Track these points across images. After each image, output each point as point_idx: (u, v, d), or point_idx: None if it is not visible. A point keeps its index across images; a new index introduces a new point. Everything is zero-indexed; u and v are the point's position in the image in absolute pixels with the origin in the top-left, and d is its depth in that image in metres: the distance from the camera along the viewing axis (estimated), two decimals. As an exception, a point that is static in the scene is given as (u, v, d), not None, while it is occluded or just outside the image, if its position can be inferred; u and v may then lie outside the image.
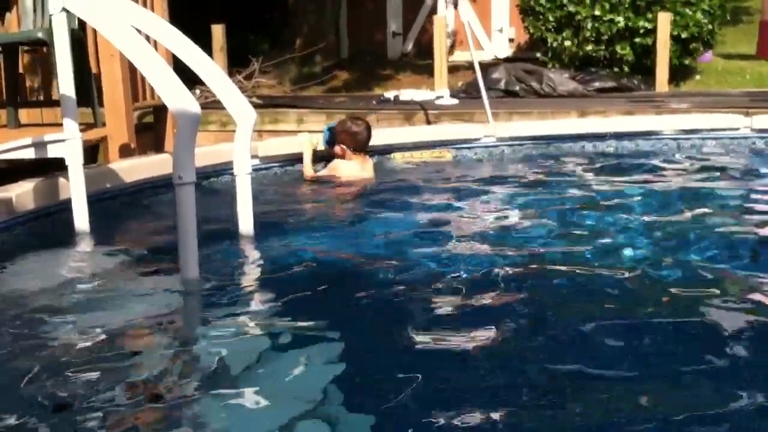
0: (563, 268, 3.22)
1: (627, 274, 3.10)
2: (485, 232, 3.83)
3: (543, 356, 2.35)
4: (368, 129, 5.17)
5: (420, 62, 11.87)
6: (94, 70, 5.02)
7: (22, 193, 3.70)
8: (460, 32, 11.76)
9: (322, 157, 5.34)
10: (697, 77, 10.15)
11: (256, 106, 4.41)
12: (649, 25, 9.42)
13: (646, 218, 4.00)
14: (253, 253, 3.55)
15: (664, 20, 9.12)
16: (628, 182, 5.01)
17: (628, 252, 3.36)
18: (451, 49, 11.28)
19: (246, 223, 3.65)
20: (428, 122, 7.36)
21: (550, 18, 10.01)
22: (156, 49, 3.61)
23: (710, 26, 9.74)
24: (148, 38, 3.62)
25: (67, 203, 3.74)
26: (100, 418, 1.98)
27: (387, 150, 5.80)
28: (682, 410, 1.96)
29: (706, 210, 4.19)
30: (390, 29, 13.39)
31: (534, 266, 3.22)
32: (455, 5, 8.21)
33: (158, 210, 4.27)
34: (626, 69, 9.66)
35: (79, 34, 4.69)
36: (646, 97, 8.53)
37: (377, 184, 5.09)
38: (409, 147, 5.87)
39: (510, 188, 4.95)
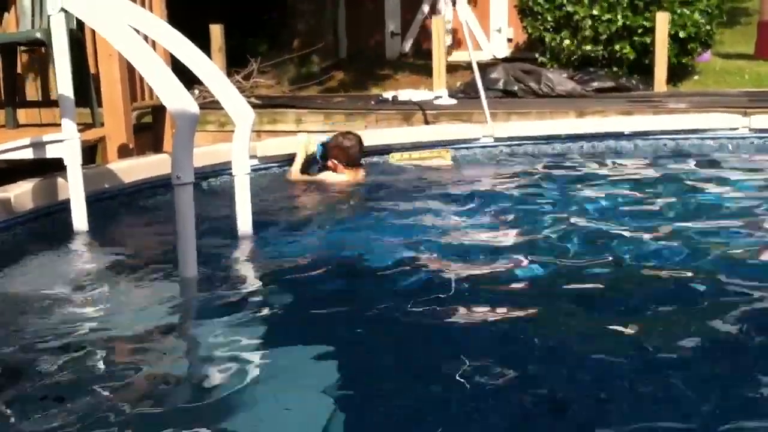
0: (563, 268, 3.22)
1: (626, 274, 3.10)
2: (483, 232, 3.83)
3: (545, 357, 2.35)
4: (360, 143, 5.18)
5: (418, 62, 11.86)
6: (92, 71, 5.02)
7: (21, 193, 3.70)
8: (458, 32, 11.76)
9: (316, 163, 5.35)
10: (696, 77, 10.15)
11: (254, 106, 4.41)
12: (647, 24, 9.43)
13: (645, 218, 4.00)
14: (251, 253, 3.56)
15: (662, 20, 9.12)
16: (627, 182, 5.01)
17: (627, 252, 3.37)
18: (450, 49, 11.27)
19: (245, 223, 3.65)
20: (427, 122, 7.36)
21: (549, 18, 10.01)
22: (154, 49, 3.61)
23: (708, 26, 9.74)
24: (146, 38, 3.62)
25: (66, 203, 3.75)
26: (99, 417, 1.98)
27: (385, 150, 5.80)
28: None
29: (704, 210, 4.20)
30: (388, 29, 13.39)
31: (534, 266, 3.22)
32: (453, 5, 8.21)
33: (157, 210, 4.27)
34: (625, 68, 9.66)
35: (78, 35, 4.69)
36: (644, 97, 8.53)
37: (375, 185, 5.09)
38: (408, 147, 5.87)
39: (509, 188, 4.95)
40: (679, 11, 9.47)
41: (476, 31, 12.06)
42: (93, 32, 4.89)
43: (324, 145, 5.21)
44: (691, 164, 5.60)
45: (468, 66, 7.96)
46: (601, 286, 3.02)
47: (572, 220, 4.01)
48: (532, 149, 6.11)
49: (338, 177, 5.09)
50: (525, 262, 3.27)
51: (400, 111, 7.68)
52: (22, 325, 2.67)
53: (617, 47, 9.61)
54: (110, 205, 4.23)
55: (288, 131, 7.35)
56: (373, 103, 8.55)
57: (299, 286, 3.06)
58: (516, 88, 9.04)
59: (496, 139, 6.11)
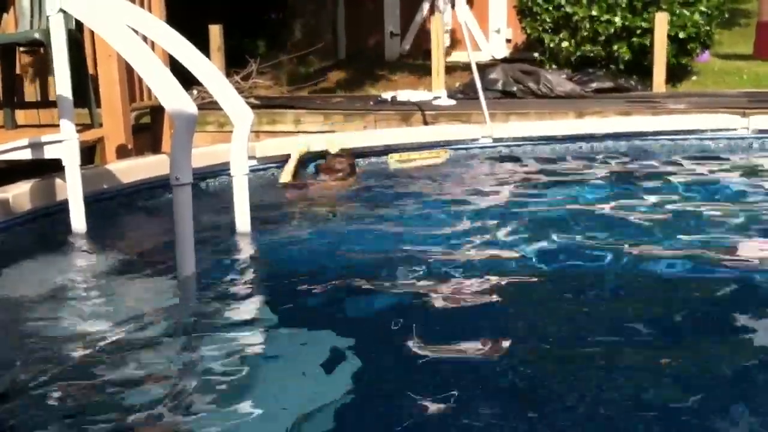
0: (563, 268, 3.22)
1: (624, 273, 3.11)
2: (483, 232, 3.83)
3: (546, 358, 2.35)
4: (351, 166, 5.31)
5: (417, 63, 11.87)
6: (91, 71, 5.02)
7: (20, 193, 3.70)
8: (457, 33, 11.76)
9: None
10: (694, 78, 10.15)
11: (253, 106, 4.42)
12: (646, 25, 9.43)
13: (644, 217, 4.00)
14: (250, 254, 3.56)
15: (661, 20, 9.12)
16: (626, 182, 5.01)
17: (625, 251, 3.37)
18: (449, 50, 11.27)
19: (243, 224, 3.65)
20: (426, 123, 7.36)
21: (547, 18, 10.01)
22: (153, 49, 3.61)
23: (707, 27, 9.74)
24: (145, 39, 3.62)
25: (64, 204, 3.74)
26: (98, 417, 1.98)
27: (384, 151, 5.80)
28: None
29: (703, 209, 4.20)
30: (387, 30, 13.39)
31: (533, 266, 3.23)
32: (452, 6, 8.21)
33: (155, 211, 4.27)
34: (623, 68, 9.66)
35: (77, 35, 4.69)
36: (643, 97, 8.53)
37: (373, 185, 5.09)
38: (407, 148, 5.88)
39: (508, 189, 4.95)
40: (678, 12, 9.47)
41: (475, 32, 12.06)
42: (92, 33, 4.89)
43: (317, 167, 5.35)
44: (691, 164, 5.59)
45: (467, 66, 7.95)
46: (601, 284, 3.02)
47: (572, 218, 4.01)
48: (531, 150, 6.11)
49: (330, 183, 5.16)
50: (524, 261, 3.27)
51: (399, 111, 7.68)
52: (20, 325, 2.67)
53: (616, 48, 9.62)
54: (109, 205, 4.23)
55: (287, 132, 7.35)
56: (371, 103, 8.55)
57: (298, 286, 3.05)
58: (515, 88, 9.04)
59: (495, 140, 6.11)
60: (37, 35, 4.59)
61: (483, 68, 8.78)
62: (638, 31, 9.51)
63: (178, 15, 6.01)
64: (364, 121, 7.49)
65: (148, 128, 6.21)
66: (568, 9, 9.80)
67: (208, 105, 6.61)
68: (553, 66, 10.01)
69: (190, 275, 3.00)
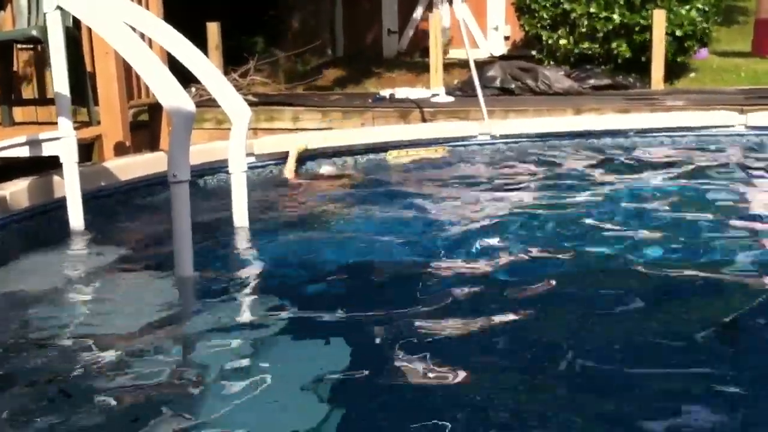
0: (563, 267, 3.22)
1: (627, 270, 3.10)
2: (481, 231, 3.83)
3: (545, 354, 2.35)
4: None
5: (415, 60, 11.86)
6: (89, 68, 5.01)
7: (17, 191, 3.70)
8: (455, 30, 11.76)
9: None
10: (692, 75, 10.15)
11: (251, 104, 4.41)
12: (644, 22, 9.43)
13: (643, 216, 4.00)
14: (248, 251, 3.55)
15: (659, 17, 9.12)
16: (626, 180, 5.01)
17: (626, 248, 3.37)
18: (447, 47, 11.26)
19: (241, 221, 3.65)
20: (424, 120, 7.35)
21: (546, 15, 10.00)
22: (151, 47, 3.60)
23: (705, 24, 9.74)
24: (143, 36, 3.62)
25: (62, 201, 3.74)
26: (95, 416, 1.98)
27: (383, 148, 5.80)
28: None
29: (702, 207, 4.20)
30: (385, 27, 13.38)
31: (533, 264, 3.23)
32: (450, 3, 8.21)
33: (153, 208, 4.27)
34: (622, 65, 9.66)
35: (74, 32, 4.68)
36: (641, 94, 8.53)
37: (372, 182, 5.09)
38: (405, 145, 5.88)
39: (506, 186, 4.95)
40: (675, 9, 9.47)
41: (473, 29, 12.06)
42: (89, 30, 4.88)
43: None
44: (691, 162, 5.59)
45: (465, 64, 7.95)
46: (602, 283, 3.02)
47: (572, 217, 4.02)
48: (529, 146, 6.11)
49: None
50: (524, 260, 3.27)
51: (398, 109, 7.68)
52: (17, 323, 2.67)
53: (614, 45, 9.61)
54: (107, 203, 4.23)
55: (285, 129, 7.35)
56: (370, 101, 8.54)
57: (297, 284, 3.05)
58: (513, 85, 9.04)
59: (493, 137, 6.11)
60: (34, 32, 4.58)
61: (481, 65, 8.77)
62: (636, 28, 9.50)
63: (176, 13, 6.00)
64: (362, 118, 7.49)
65: (146, 126, 6.20)
66: (567, 6, 9.79)
67: (206, 102, 6.60)
68: (551, 63, 10.01)
69: (188, 273, 3.00)
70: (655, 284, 2.97)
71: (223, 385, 2.16)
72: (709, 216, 3.97)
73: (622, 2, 9.55)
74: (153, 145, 5.87)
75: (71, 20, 4.43)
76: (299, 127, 7.43)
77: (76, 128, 3.79)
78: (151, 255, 3.49)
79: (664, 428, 1.90)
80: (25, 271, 3.28)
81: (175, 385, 2.18)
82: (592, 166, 5.49)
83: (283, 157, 5.30)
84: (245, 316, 2.75)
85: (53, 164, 3.81)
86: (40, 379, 2.21)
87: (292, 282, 3.09)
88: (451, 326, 2.57)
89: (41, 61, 5.61)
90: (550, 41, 10.05)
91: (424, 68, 9.70)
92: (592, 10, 9.62)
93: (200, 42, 3.69)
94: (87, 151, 4.83)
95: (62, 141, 3.68)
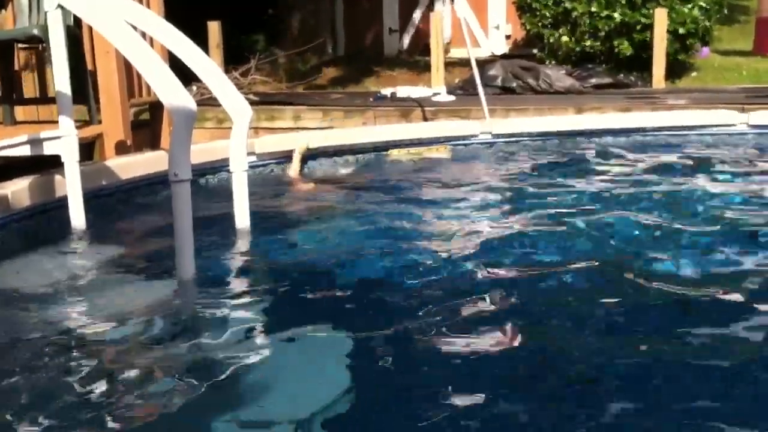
0: (562, 265, 3.21)
1: (623, 270, 3.10)
2: (481, 229, 3.83)
3: (545, 353, 2.35)
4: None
5: (417, 59, 11.86)
6: (89, 67, 5.01)
7: (18, 190, 3.69)
8: (456, 29, 11.74)
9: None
10: (694, 74, 10.15)
11: (252, 103, 4.40)
12: (645, 21, 9.42)
13: (642, 215, 3.99)
14: (249, 251, 3.55)
15: (660, 16, 9.11)
16: (625, 178, 5.01)
17: (626, 246, 3.37)
18: (448, 46, 11.26)
19: (242, 220, 3.65)
20: (425, 119, 7.35)
21: (547, 14, 10.01)
22: (152, 46, 3.60)
23: (706, 23, 9.74)
24: (143, 35, 3.61)
25: (63, 200, 3.74)
26: (95, 416, 1.97)
27: (384, 147, 5.80)
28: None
29: (703, 205, 4.19)
30: (386, 26, 13.37)
31: (533, 263, 3.22)
32: (451, 1, 8.21)
33: (154, 207, 4.26)
34: (623, 63, 9.65)
35: (75, 31, 4.68)
36: (642, 93, 8.53)
37: (374, 182, 5.08)
38: (406, 144, 5.87)
39: (507, 185, 4.94)
40: (677, 8, 9.46)
41: (474, 28, 12.03)
42: (90, 29, 4.88)
43: None
44: (692, 160, 5.59)
45: (466, 63, 7.94)
46: (602, 281, 3.01)
47: (572, 215, 4.01)
48: (530, 145, 6.11)
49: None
50: (524, 257, 3.27)
51: (399, 108, 7.67)
52: (18, 322, 2.66)
53: (615, 43, 9.60)
54: (108, 202, 4.22)
55: (286, 128, 7.34)
56: (371, 99, 8.54)
57: (298, 283, 3.05)
58: (514, 84, 9.04)
59: (495, 136, 6.11)
60: (35, 31, 4.58)
61: (482, 64, 8.76)
62: (638, 27, 9.50)
63: (177, 13, 5.99)
64: (364, 117, 7.49)
65: (147, 124, 6.20)
66: (568, 5, 9.80)
67: (207, 101, 6.60)
68: (553, 62, 10.00)
69: (189, 272, 2.99)
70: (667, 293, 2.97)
71: (223, 385, 2.15)
72: (709, 214, 3.97)
73: (623, 1, 9.54)
74: (154, 144, 5.87)
75: (72, 19, 4.43)
76: (300, 126, 7.43)
77: (77, 127, 3.78)
78: (152, 254, 3.48)
79: None
80: (26, 270, 3.28)
81: (175, 385, 2.17)
82: (591, 164, 5.48)
83: (284, 156, 5.29)
84: (246, 316, 2.75)
85: (54, 163, 3.80)
86: (40, 378, 2.21)
87: (293, 282, 3.08)
88: (452, 327, 2.56)
89: (42, 60, 5.61)
90: (551, 40, 10.04)
91: (425, 67, 9.70)
92: (593, 8, 9.61)
93: (201, 41, 3.68)
94: (88, 149, 4.83)
95: (63, 140, 3.68)
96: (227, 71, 9.05)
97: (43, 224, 3.78)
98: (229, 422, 1.97)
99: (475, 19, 7.33)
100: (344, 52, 13.09)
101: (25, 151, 3.89)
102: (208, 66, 3.55)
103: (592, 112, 7.00)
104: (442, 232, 3.78)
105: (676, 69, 9.84)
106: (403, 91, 8.77)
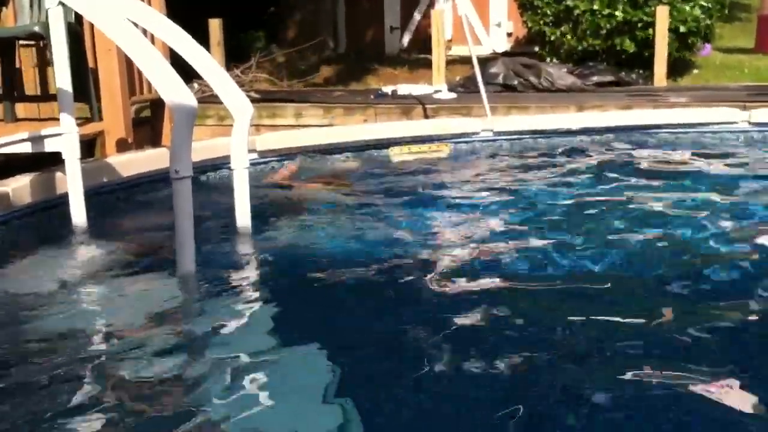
0: (563, 264, 3.21)
1: (624, 269, 3.10)
2: (482, 228, 3.83)
3: (546, 352, 2.34)
4: None
5: (418, 57, 11.84)
6: (91, 65, 5.00)
7: (19, 187, 3.70)
8: (457, 27, 11.73)
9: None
10: (696, 72, 10.14)
11: (253, 100, 4.40)
12: (647, 19, 9.41)
13: (642, 214, 4.00)
14: (250, 248, 3.55)
15: (662, 14, 9.10)
16: (626, 177, 5.00)
17: (630, 247, 3.37)
18: (449, 44, 11.25)
19: (243, 218, 3.64)
20: (426, 116, 7.34)
21: (549, 12, 9.99)
22: (153, 43, 3.60)
23: (708, 21, 9.72)
24: (145, 32, 3.61)
25: (64, 197, 3.74)
26: (96, 415, 1.97)
27: (385, 144, 5.80)
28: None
29: (704, 204, 4.19)
30: (387, 24, 13.36)
31: (534, 262, 3.22)
32: (453, -1, 8.20)
33: (155, 204, 4.26)
34: (625, 61, 9.63)
35: (76, 28, 4.67)
36: (644, 91, 8.51)
37: (375, 179, 5.08)
38: (407, 141, 5.87)
39: (508, 182, 4.94)
40: (678, 6, 9.45)
41: (476, 26, 12.02)
42: (92, 26, 4.87)
43: None
44: (693, 159, 5.58)
45: (467, 60, 7.93)
46: (603, 280, 3.01)
47: (572, 214, 4.01)
48: (532, 143, 6.11)
49: None
50: (524, 256, 3.27)
51: (400, 105, 7.66)
52: (19, 320, 2.66)
53: (617, 41, 9.59)
54: (109, 199, 4.23)
55: (287, 125, 7.34)
56: (372, 97, 8.53)
57: (298, 281, 3.05)
58: (516, 82, 9.02)
59: (496, 133, 6.11)
60: (36, 28, 4.57)
61: (484, 62, 8.75)
62: (639, 25, 9.48)
63: (178, 11, 5.99)
64: (365, 114, 7.48)
65: (148, 122, 6.20)
66: (569, 2, 9.78)
67: (209, 98, 6.58)
68: (554, 60, 9.99)
69: (190, 269, 2.99)
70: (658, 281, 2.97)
71: (224, 385, 2.15)
72: (709, 213, 3.97)
73: (625, -1, 9.53)
74: (155, 142, 5.87)
75: (73, 16, 4.43)
76: (301, 123, 7.42)
77: (78, 124, 3.78)
78: (153, 251, 3.48)
79: None
80: (27, 267, 3.28)
81: (175, 384, 2.17)
82: (591, 163, 5.48)
83: (284, 154, 5.30)
84: (246, 314, 2.75)
85: (55, 160, 3.81)
86: (40, 376, 2.21)
87: (294, 280, 3.08)
88: (453, 328, 2.56)
89: (43, 58, 5.60)
90: (553, 38, 10.03)
91: (427, 65, 9.68)
92: (594, 6, 9.60)
93: (202, 39, 3.68)
94: (89, 147, 4.83)
95: (64, 137, 3.68)
96: (228, 69, 9.04)
97: (44, 221, 3.79)
98: (228, 422, 1.97)
99: (476, 16, 7.31)
100: (345, 50, 13.08)
101: (27, 148, 3.89)
102: (209, 63, 3.55)
103: (594, 110, 6.99)
104: (442, 228, 3.78)
105: (677, 67, 9.82)
106: (404, 88, 8.76)
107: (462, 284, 2.96)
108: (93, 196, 3.91)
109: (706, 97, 7.45)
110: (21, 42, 5.27)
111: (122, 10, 3.31)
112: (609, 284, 2.95)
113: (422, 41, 11.74)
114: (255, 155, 5.06)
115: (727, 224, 3.73)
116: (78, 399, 2.06)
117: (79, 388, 2.13)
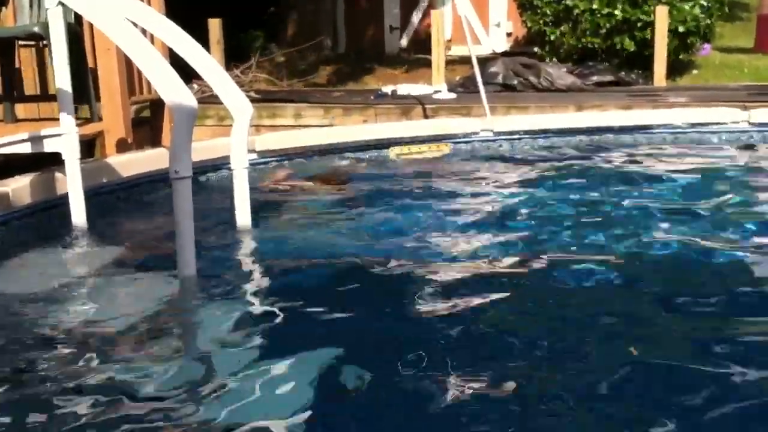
0: (563, 263, 3.21)
1: (625, 269, 3.10)
2: (484, 227, 3.82)
3: (547, 352, 2.34)
4: None
5: (417, 57, 11.84)
6: (90, 65, 5.00)
7: (19, 187, 3.69)
8: (457, 27, 11.73)
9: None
10: (695, 71, 10.14)
11: (253, 100, 4.40)
12: (646, 18, 9.41)
13: (642, 213, 3.99)
14: (250, 248, 3.55)
15: (661, 13, 9.10)
16: (626, 177, 5.00)
17: (626, 243, 3.36)
18: (449, 44, 11.25)
19: (243, 218, 3.64)
20: (426, 116, 7.34)
21: (548, 12, 10.00)
22: (152, 43, 3.59)
23: (707, 20, 9.72)
24: (144, 32, 3.61)
25: (64, 198, 3.73)
26: (96, 415, 1.97)
27: (385, 144, 5.79)
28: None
29: (704, 203, 4.19)
30: (387, 24, 13.36)
31: (534, 262, 3.22)
32: (452, -1, 8.20)
33: (155, 205, 4.26)
34: (624, 61, 9.63)
35: (76, 28, 4.67)
36: (644, 91, 8.51)
37: (374, 180, 5.08)
38: (407, 141, 5.87)
39: (509, 182, 4.94)
40: (678, 5, 9.45)
41: (475, 26, 12.02)
42: (91, 26, 4.87)
43: None
44: (693, 158, 5.59)
45: (467, 60, 7.93)
46: (604, 278, 3.01)
47: (573, 214, 4.01)
48: (531, 143, 6.11)
49: None
50: (525, 255, 3.27)
51: (399, 105, 7.66)
52: (19, 320, 2.66)
53: (617, 40, 9.60)
54: (108, 199, 4.22)
55: (287, 126, 7.34)
56: (372, 97, 8.54)
57: (298, 281, 3.05)
58: (515, 82, 9.02)
59: (496, 133, 6.11)
60: (36, 29, 4.57)
61: (483, 62, 8.75)
62: (639, 24, 9.48)
63: (178, 11, 5.99)
64: (364, 114, 7.47)
65: (147, 122, 6.20)
66: (569, 2, 9.78)
67: (208, 98, 6.59)
68: (554, 59, 9.99)
69: (190, 270, 2.99)
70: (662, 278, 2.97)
71: (224, 384, 2.15)
72: (710, 212, 3.97)
73: (624, -2, 9.53)
74: (155, 142, 5.87)
75: (73, 16, 4.42)
76: (301, 123, 7.42)
77: (77, 125, 3.78)
78: (153, 251, 3.49)
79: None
80: (27, 267, 3.28)
81: (176, 384, 2.17)
82: (592, 163, 5.48)
83: (283, 154, 5.30)
84: (247, 314, 2.75)
85: (55, 161, 3.80)
86: (39, 376, 2.21)
87: (295, 280, 3.08)
88: (453, 329, 2.56)
89: (43, 58, 5.60)
90: (552, 37, 10.04)
91: (426, 65, 9.68)
92: (594, 6, 9.60)
93: (201, 39, 3.68)
94: (89, 147, 4.83)
95: (64, 137, 3.67)
96: (228, 69, 9.04)
97: (44, 222, 3.78)
98: (228, 420, 1.97)
99: (475, 16, 7.30)
100: (345, 50, 13.08)
101: (26, 148, 3.89)
102: (209, 63, 3.55)
103: (593, 110, 6.99)
104: (442, 228, 3.78)
105: (677, 67, 9.82)
106: (404, 88, 8.76)
107: (461, 284, 2.96)
108: (93, 197, 3.91)
109: (705, 97, 7.45)
110: (21, 42, 5.26)
111: (122, 10, 3.31)
112: (609, 284, 2.95)
113: (422, 41, 11.74)
114: (255, 155, 5.06)
115: (727, 224, 3.73)
116: (77, 399, 2.06)
117: (79, 388, 2.13)
